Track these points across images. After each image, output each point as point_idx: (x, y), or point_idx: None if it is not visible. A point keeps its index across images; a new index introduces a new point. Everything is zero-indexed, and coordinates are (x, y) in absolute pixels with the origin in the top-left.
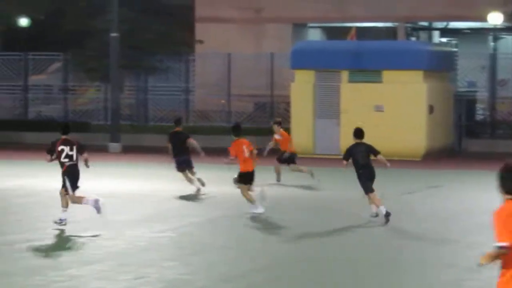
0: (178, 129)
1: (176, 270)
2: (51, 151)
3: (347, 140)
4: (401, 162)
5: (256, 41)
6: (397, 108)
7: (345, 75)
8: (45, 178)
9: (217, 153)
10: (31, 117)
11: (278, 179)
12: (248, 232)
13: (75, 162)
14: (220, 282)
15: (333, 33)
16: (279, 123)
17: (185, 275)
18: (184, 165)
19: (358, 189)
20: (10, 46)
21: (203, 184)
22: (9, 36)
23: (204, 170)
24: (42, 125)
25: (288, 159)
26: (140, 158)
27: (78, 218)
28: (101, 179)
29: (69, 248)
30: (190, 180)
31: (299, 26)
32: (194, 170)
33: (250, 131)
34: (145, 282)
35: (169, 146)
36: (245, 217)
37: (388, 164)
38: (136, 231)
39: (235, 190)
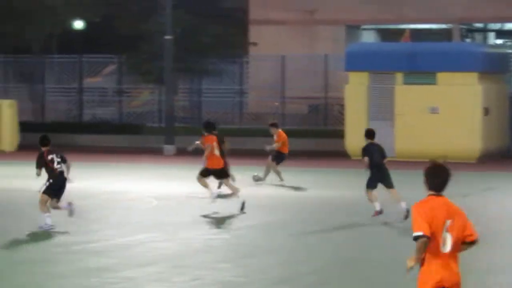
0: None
1: (230, 272)
2: (40, 165)
3: (402, 142)
4: (456, 164)
5: (309, 43)
6: (452, 110)
7: (399, 77)
8: (100, 180)
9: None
10: (86, 119)
11: (281, 179)
12: (301, 235)
13: (62, 170)
14: (273, 284)
15: (386, 35)
16: (274, 125)
17: (239, 277)
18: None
19: (409, 192)
20: (66, 49)
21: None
22: (65, 39)
23: (260, 173)
24: (97, 127)
25: (276, 157)
26: (194, 160)
27: (132, 220)
28: (156, 181)
29: (124, 250)
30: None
31: (353, 28)
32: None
33: (304, 134)
34: (200, 284)
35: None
36: (297, 220)
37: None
38: (190, 233)
39: (289, 194)
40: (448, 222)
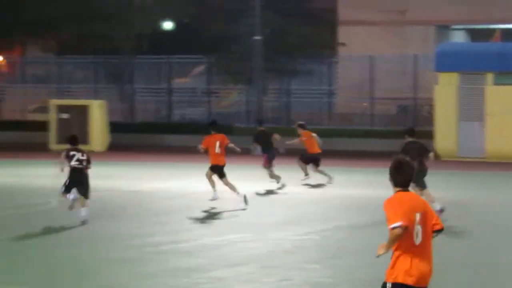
0: (262, 129)
1: (319, 273)
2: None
3: (493, 143)
4: None
5: (399, 43)
6: None
7: (490, 77)
8: (189, 180)
9: (359, 156)
10: (175, 120)
11: (306, 173)
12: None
13: (79, 167)
14: (361, 286)
15: (477, 34)
16: (300, 126)
17: (327, 278)
18: (272, 160)
19: (496, 194)
20: (155, 49)
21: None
22: (154, 39)
23: (348, 174)
24: (186, 128)
25: (310, 159)
26: (282, 160)
27: (221, 221)
28: (244, 182)
29: (213, 250)
30: (272, 176)
31: (443, 28)
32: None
33: (393, 134)
34: (288, 285)
35: (257, 145)
36: (383, 221)
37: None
38: (279, 233)
39: (376, 194)
40: (418, 215)
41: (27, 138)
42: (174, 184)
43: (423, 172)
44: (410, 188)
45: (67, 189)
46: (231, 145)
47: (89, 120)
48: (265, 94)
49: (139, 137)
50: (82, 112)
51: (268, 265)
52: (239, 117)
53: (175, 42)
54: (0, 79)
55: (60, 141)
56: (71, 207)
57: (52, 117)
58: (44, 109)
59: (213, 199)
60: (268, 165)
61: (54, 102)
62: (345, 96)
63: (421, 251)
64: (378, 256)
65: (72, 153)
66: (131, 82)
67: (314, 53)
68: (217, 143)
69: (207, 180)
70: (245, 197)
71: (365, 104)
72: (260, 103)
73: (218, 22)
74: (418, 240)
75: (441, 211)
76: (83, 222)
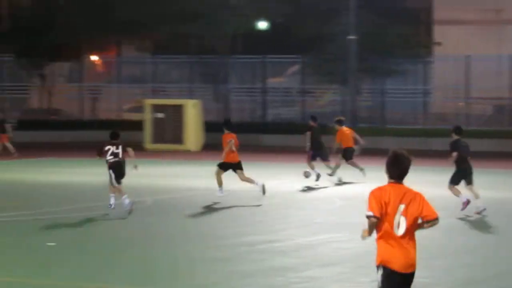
0: (314, 124)
1: (416, 273)
2: (98, 152)
3: None
4: None
5: (495, 43)
6: None
7: None
8: (285, 180)
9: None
10: (270, 119)
11: (361, 169)
12: (481, 236)
13: (115, 160)
14: (459, 286)
15: None
16: (338, 121)
17: (425, 278)
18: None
19: None
20: (250, 49)
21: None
22: (249, 39)
23: (443, 174)
24: (281, 127)
25: (344, 154)
26: (378, 161)
27: (316, 220)
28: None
29: (308, 250)
30: (308, 173)
31: None
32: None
33: (489, 134)
34: None
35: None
36: (477, 222)
37: None
38: (374, 233)
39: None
40: (402, 206)
41: (122, 138)
42: (268, 183)
43: (465, 170)
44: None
45: (117, 180)
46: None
47: (183, 119)
48: (359, 94)
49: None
50: (177, 112)
51: (362, 265)
52: (334, 117)
53: (269, 41)
54: (96, 79)
55: (155, 140)
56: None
57: (147, 117)
58: (139, 109)
59: (220, 195)
60: (309, 161)
61: (149, 101)
62: (440, 95)
63: (402, 241)
64: (364, 239)
65: (106, 147)
66: (225, 82)
67: (410, 52)
68: (232, 141)
69: (215, 177)
70: (263, 187)
71: (460, 104)
72: (354, 103)
73: (312, 21)
74: (399, 230)
75: (483, 210)
76: (129, 210)
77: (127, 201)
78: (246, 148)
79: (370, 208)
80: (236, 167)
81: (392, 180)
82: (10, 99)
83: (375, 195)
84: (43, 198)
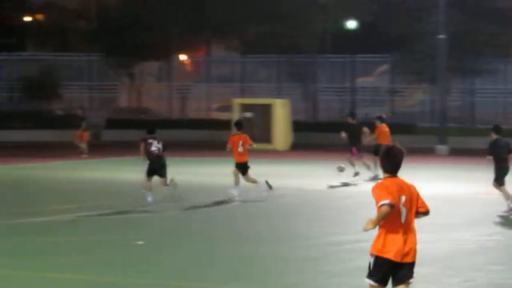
0: (353, 121)
1: (504, 274)
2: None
3: None
4: None
5: None
6: None
7: None
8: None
9: None
10: (359, 119)
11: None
12: None
13: (158, 153)
14: None
15: None
16: (379, 118)
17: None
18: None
19: None
20: (338, 48)
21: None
22: (337, 38)
23: None
24: (369, 126)
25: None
26: (467, 161)
27: None
28: (428, 182)
29: None
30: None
31: None
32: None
33: None
34: (472, 286)
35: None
36: None
37: None
38: (462, 234)
39: None
40: (403, 197)
41: (211, 137)
42: (359, 182)
43: (504, 169)
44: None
45: (149, 175)
46: (253, 145)
47: (272, 119)
48: (448, 93)
49: (322, 136)
50: (265, 111)
51: (451, 266)
52: (423, 116)
53: (358, 41)
54: (185, 78)
55: None
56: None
57: (235, 116)
58: (227, 108)
59: (234, 195)
60: (356, 156)
61: (238, 101)
62: None
63: (405, 230)
64: (366, 231)
65: (150, 141)
66: (314, 81)
67: (500, 52)
68: (240, 142)
69: (233, 177)
70: (267, 182)
71: None
72: (443, 102)
73: (401, 20)
74: (402, 219)
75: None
76: (178, 198)
77: (149, 198)
78: (334, 148)
79: (384, 196)
80: (242, 167)
81: (388, 175)
82: (99, 99)
83: (381, 187)
84: (133, 196)
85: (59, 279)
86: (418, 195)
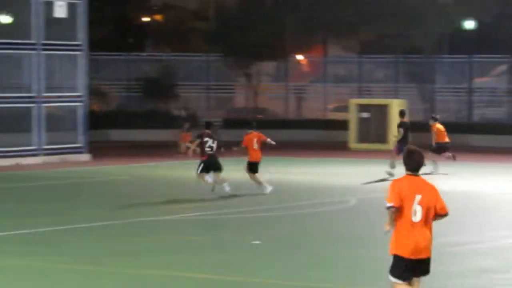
0: (405, 120)
1: None
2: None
3: None
4: None
5: None
6: None
7: None
8: (497, 181)
9: None
10: (476, 119)
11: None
12: None
13: (213, 153)
14: None
15: None
16: (432, 118)
17: None
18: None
19: None
20: (456, 49)
21: None
22: (455, 39)
23: None
24: (487, 128)
25: (436, 149)
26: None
27: None
28: None
29: (510, 252)
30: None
31: None
32: None
33: None
34: None
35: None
36: None
37: None
38: None
39: None
40: (419, 196)
41: (327, 137)
42: (475, 184)
43: None
44: None
45: (204, 170)
46: (268, 140)
47: (388, 119)
48: None
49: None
50: (381, 112)
51: None
52: None
53: (476, 41)
54: (302, 79)
55: (360, 140)
56: (212, 189)
57: (352, 116)
58: (344, 108)
59: (265, 192)
60: (397, 153)
61: (354, 101)
62: None
63: (419, 228)
64: (386, 232)
65: (205, 139)
66: (431, 82)
67: None
68: (255, 140)
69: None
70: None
71: None
72: None
73: None
74: (416, 218)
75: None
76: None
77: (227, 188)
78: (452, 148)
79: (389, 199)
80: (255, 167)
81: (409, 172)
82: (216, 98)
83: (394, 187)
84: (252, 196)
85: (184, 278)
86: (437, 196)
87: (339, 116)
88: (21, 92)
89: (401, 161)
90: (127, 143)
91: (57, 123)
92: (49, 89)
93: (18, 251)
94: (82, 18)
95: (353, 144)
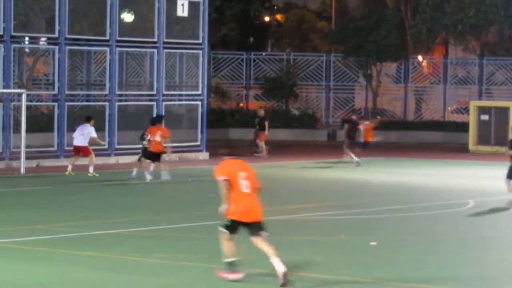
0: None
1: None
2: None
3: None
4: None
5: None
6: None
7: None
8: None
9: None
10: None
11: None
12: None
13: None
14: None
15: None
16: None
17: None
18: None
19: None
20: None
21: None
22: None
23: None
24: None
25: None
26: None
27: None
28: None
29: None
30: None
31: None
32: None
33: None
34: None
35: None
36: None
37: None
38: None
39: None
40: (242, 173)
41: (447, 139)
42: None
43: None
44: None
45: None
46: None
47: (510, 122)
48: None
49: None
50: (502, 114)
51: None
52: None
53: None
54: (422, 80)
55: (479, 142)
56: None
57: (472, 118)
58: (464, 110)
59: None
60: None
61: (475, 103)
62: None
63: (248, 197)
64: (225, 209)
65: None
66: None
67: None
68: (158, 133)
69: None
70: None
71: None
72: None
73: None
74: (244, 189)
75: None
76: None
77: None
78: None
79: (219, 174)
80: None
81: (230, 157)
82: (335, 99)
83: (219, 167)
84: (369, 197)
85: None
86: (254, 173)
87: (459, 118)
88: (142, 90)
89: None
90: (245, 142)
91: (177, 121)
92: (170, 87)
93: (137, 247)
94: (204, 16)
95: (473, 147)
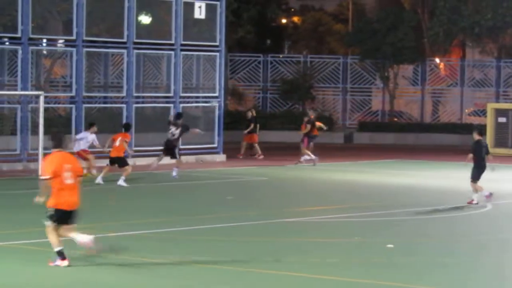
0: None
1: None
2: None
3: None
4: None
5: None
6: None
7: None
8: None
9: None
10: None
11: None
12: None
13: None
14: None
15: None
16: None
17: None
18: None
19: None
20: None
21: None
22: None
23: None
24: None
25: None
26: None
27: None
28: None
29: None
30: None
31: None
32: None
33: None
34: None
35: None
36: None
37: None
38: None
39: None
40: (67, 165)
41: (464, 141)
42: None
43: (482, 168)
44: None
45: None
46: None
47: None
48: None
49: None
50: None
51: None
52: None
53: None
54: (439, 82)
55: (496, 145)
56: None
57: (489, 121)
58: (481, 113)
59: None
60: None
61: (492, 105)
62: None
63: (70, 188)
64: (39, 202)
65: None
66: None
67: None
68: (119, 139)
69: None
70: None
71: None
72: None
73: None
74: (68, 181)
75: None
76: None
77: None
78: None
79: (44, 173)
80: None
81: (56, 149)
82: (352, 101)
83: (48, 161)
84: (386, 199)
85: (314, 280)
86: (78, 163)
87: (476, 120)
88: (159, 92)
89: None
90: (263, 145)
91: (194, 123)
92: (187, 89)
93: (156, 249)
94: (221, 19)
95: (490, 149)
